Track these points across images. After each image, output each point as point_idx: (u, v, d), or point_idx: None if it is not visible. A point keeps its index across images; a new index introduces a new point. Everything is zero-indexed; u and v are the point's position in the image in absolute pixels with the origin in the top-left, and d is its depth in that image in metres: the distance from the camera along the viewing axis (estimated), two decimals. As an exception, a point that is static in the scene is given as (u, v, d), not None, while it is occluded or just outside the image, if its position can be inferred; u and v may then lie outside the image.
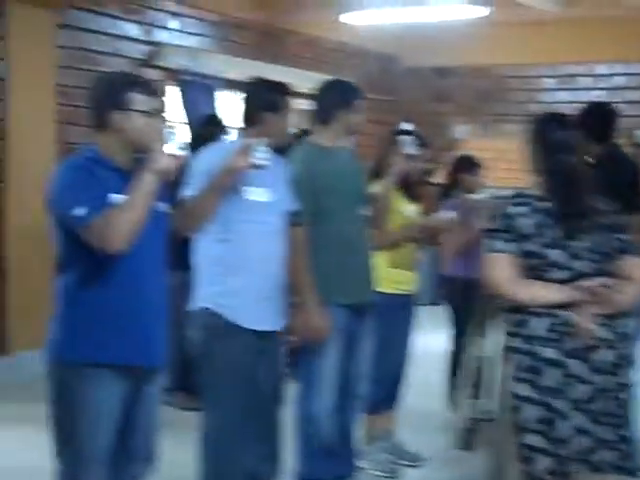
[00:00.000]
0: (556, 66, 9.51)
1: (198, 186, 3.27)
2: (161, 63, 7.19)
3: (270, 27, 8.36)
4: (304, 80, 8.78)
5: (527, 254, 2.92)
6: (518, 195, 3.01)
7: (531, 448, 2.91)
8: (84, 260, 2.78)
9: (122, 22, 6.91)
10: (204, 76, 7.47)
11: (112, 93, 2.82)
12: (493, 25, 8.52)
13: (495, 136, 9.52)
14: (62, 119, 6.49)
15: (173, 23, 7.37)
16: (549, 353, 2.89)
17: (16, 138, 6.16)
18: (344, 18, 8.09)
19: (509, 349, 3.01)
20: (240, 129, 3.58)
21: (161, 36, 7.24)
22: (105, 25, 6.78)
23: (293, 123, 3.13)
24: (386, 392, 4.47)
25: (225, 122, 6.04)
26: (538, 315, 2.92)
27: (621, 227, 3.02)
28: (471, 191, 5.44)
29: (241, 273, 3.34)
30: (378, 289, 4.07)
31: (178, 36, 7.42)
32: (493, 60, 9.52)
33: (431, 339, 5.44)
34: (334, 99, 3.87)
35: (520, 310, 2.95)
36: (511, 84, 9.80)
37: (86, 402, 2.80)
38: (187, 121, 7.27)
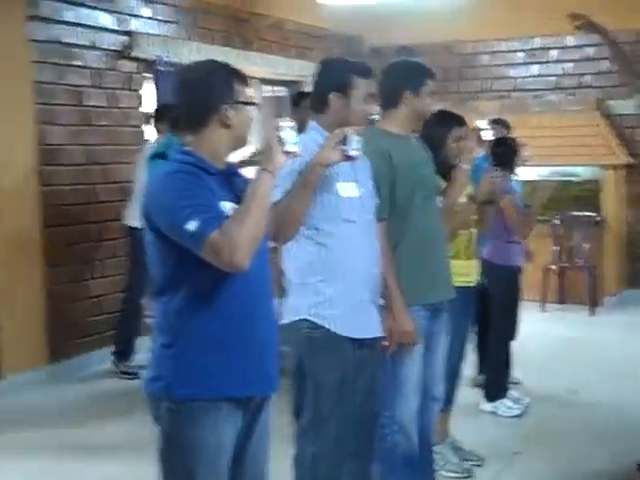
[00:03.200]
0: (525, 40, 9.35)
1: (287, 186, 2.90)
2: (136, 54, 6.77)
3: (239, 11, 8.00)
4: (272, 66, 8.49)
5: None
6: None
7: None
8: (194, 281, 2.42)
9: (94, 11, 6.45)
10: (177, 65, 7.07)
11: (220, 85, 2.47)
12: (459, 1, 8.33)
13: (466, 114, 9.33)
14: (41, 119, 6.04)
15: (145, 11, 6.93)
16: None
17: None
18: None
19: None
20: (312, 118, 3.18)
21: (134, 25, 6.80)
22: (78, 16, 6.31)
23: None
24: (446, 390, 4.15)
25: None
26: None
27: None
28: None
29: (339, 279, 3.02)
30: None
31: (151, 24, 6.99)
32: (460, 37, 9.32)
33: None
34: (401, 80, 3.53)
35: None
36: (480, 60, 9.62)
37: (204, 444, 2.44)
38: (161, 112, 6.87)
